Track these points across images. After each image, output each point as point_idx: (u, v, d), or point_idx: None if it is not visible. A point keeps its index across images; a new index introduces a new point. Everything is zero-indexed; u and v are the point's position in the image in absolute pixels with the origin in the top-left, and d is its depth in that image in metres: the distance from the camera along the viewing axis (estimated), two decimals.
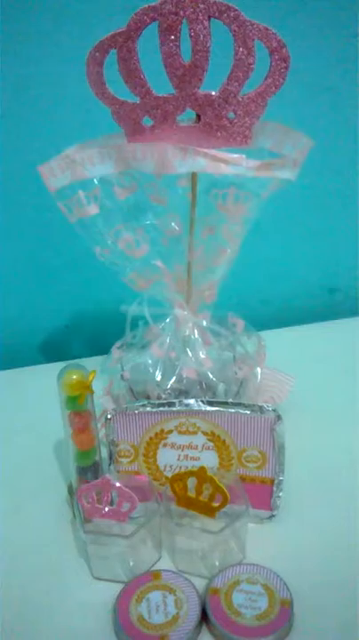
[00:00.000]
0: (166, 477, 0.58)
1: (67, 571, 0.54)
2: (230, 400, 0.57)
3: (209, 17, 0.49)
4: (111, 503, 0.53)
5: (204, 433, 0.56)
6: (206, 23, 0.49)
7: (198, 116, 0.54)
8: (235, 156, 0.51)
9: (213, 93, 0.52)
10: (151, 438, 0.57)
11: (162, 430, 0.57)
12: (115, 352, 0.69)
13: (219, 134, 0.54)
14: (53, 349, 0.92)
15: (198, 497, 0.52)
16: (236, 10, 0.48)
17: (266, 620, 0.47)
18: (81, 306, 0.91)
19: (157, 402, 0.57)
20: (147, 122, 0.54)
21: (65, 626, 0.49)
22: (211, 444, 0.57)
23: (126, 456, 0.58)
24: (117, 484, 0.52)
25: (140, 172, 0.55)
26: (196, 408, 0.56)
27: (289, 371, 0.73)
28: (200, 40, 0.49)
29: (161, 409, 0.56)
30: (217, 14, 0.49)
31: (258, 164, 0.52)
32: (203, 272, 0.63)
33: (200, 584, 0.51)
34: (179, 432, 0.57)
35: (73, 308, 0.91)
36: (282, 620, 0.47)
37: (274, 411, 0.55)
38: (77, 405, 0.56)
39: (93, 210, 0.57)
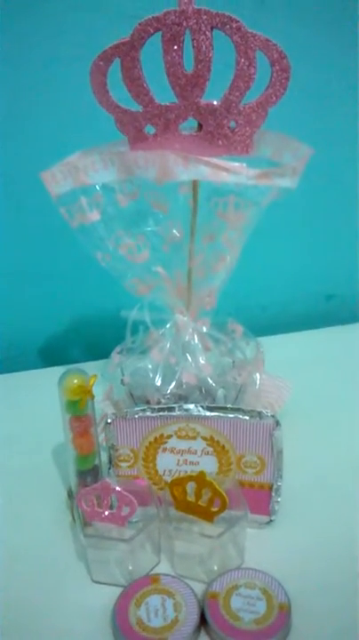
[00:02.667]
0: (165, 482, 0.58)
1: (66, 574, 0.54)
2: (229, 405, 0.58)
3: (211, 28, 0.50)
4: (111, 507, 0.53)
5: (204, 438, 0.57)
6: (209, 34, 0.50)
7: (200, 125, 0.54)
8: (236, 164, 0.52)
9: (215, 103, 0.53)
10: (151, 443, 0.58)
11: (161, 435, 0.57)
12: (116, 357, 0.70)
13: (220, 143, 0.54)
14: (54, 354, 0.92)
15: (197, 502, 0.52)
16: (238, 21, 0.49)
17: (264, 625, 0.47)
18: (81, 310, 0.91)
19: (157, 407, 0.58)
20: (150, 130, 0.55)
21: (64, 629, 0.49)
22: (210, 449, 0.57)
23: (126, 460, 0.59)
24: (117, 488, 0.52)
25: (142, 179, 0.55)
26: (196, 413, 0.56)
27: (287, 377, 0.73)
28: (202, 50, 0.50)
29: (160, 414, 0.57)
30: (219, 25, 0.49)
31: (258, 173, 0.53)
32: (204, 278, 0.64)
33: (199, 588, 0.51)
34: (179, 437, 0.57)
35: (73, 312, 0.91)
36: (280, 625, 0.47)
37: (272, 416, 0.55)
38: (78, 410, 0.56)
39: (95, 216, 0.58)
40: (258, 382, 0.69)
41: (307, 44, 0.79)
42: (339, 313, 1.01)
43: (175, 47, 0.51)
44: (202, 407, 0.57)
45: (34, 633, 0.49)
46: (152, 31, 0.50)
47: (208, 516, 0.52)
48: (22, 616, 0.51)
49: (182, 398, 0.65)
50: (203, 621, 0.49)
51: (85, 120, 0.66)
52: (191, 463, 0.58)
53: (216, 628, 0.47)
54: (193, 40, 0.50)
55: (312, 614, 0.49)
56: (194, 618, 0.48)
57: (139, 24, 0.50)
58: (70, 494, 0.61)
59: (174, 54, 0.51)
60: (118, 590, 0.51)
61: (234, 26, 0.49)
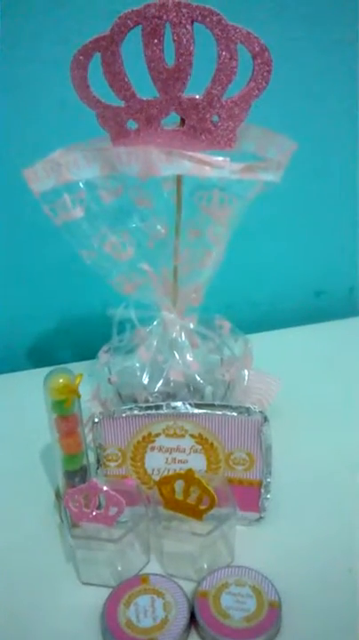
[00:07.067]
0: (154, 481, 0.58)
1: (54, 576, 0.54)
2: (217, 402, 0.57)
3: (192, 21, 0.49)
4: (99, 507, 0.52)
5: (192, 436, 0.56)
6: (189, 27, 0.49)
7: (182, 120, 0.54)
8: (219, 158, 0.51)
9: (197, 97, 0.52)
10: (139, 442, 0.57)
11: (149, 434, 0.57)
12: (103, 356, 0.69)
13: (203, 137, 0.54)
14: (40, 354, 0.91)
15: (186, 500, 0.52)
16: (219, 14, 0.49)
17: (254, 622, 0.47)
18: (67, 310, 0.90)
19: (145, 405, 0.57)
20: (132, 125, 0.54)
21: (53, 631, 0.49)
22: (198, 446, 0.57)
23: (114, 460, 0.58)
24: (105, 488, 0.51)
25: (126, 176, 0.54)
26: (184, 411, 0.56)
27: (275, 373, 0.73)
28: (183, 44, 0.50)
29: (148, 412, 0.56)
30: (200, 18, 0.49)
31: (242, 167, 0.52)
32: (190, 275, 0.63)
33: (189, 587, 0.51)
34: (167, 435, 0.57)
35: (59, 312, 0.91)
36: (270, 622, 0.47)
37: (260, 412, 0.55)
38: (64, 409, 0.55)
39: (78, 213, 0.57)
40: (246, 379, 0.68)
41: (290, 36, 0.78)
42: (328, 309, 1.01)
43: (155, 41, 0.50)
44: (190, 404, 0.56)
45: (22, 635, 0.49)
46: (132, 25, 0.49)
47: (197, 514, 0.52)
48: (11, 618, 0.50)
49: (170, 396, 0.65)
50: (193, 620, 0.48)
51: (67, 116, 0.65)
52: (180, 461, 0.57)
53: (206, 626, 0.47)
54: (173, 34, 0.49)
55: (302, 611, 0.49)
56: (183, 617, 0.48)
57: (119, 17, 0.49)
58: (58, 495, 0.60)
59: (155, 48, 0.50)
60: (107, 591, 0.51)
61: (214, 19, 0.49)
